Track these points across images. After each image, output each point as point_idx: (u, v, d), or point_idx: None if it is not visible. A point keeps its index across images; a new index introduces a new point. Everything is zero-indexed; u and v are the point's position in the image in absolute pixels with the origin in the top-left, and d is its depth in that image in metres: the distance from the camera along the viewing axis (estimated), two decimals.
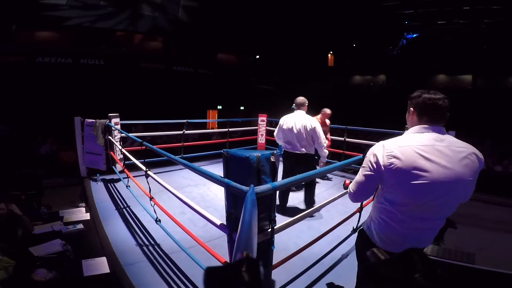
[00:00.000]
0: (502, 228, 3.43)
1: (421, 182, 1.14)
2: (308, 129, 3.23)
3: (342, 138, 5.47)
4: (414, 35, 18.66)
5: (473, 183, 1.21)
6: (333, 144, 6.08)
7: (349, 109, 14.64)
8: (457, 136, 1.31)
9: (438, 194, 1.17)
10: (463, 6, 15.79)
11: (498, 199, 4.39)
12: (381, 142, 1.26)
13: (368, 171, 1.26)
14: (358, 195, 1.37)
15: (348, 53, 19.30)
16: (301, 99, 3.41)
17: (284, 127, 3.35)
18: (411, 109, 1.29)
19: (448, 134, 1.27)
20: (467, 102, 13.11)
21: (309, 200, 3.58)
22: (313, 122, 3.27)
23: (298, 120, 3.29)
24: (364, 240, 1.45)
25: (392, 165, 1.17)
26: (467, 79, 15.82)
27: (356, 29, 18.18)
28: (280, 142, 3.54)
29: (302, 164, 3.23)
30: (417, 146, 1.17)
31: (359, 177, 1.33)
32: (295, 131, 3.26)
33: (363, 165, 1.32)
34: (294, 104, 3.43)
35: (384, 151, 1.20)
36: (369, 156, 1.27)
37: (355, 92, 17.20)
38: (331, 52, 19.77)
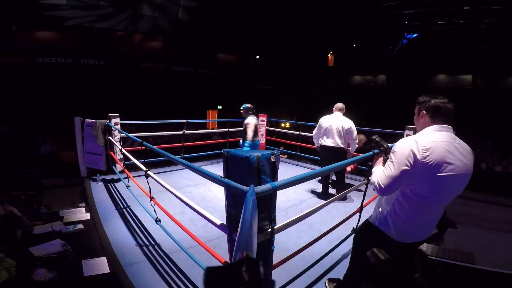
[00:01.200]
0: (502, 228, 3.43)
1: (447, 174, 1.28)
2: (345, 128, 3.84)
3: None
4: (414, 35, 18.66)
5: None
6: None
7: (349, 109, 14.57)
8: (457, 136, 1.37)
9: (457, 185, 1.34)
10: (463, 6, 15.78)
11: (498, 199, 4.39)
12: (411, 138, 1.35)
13: (404, 166, 1.32)
14: (389, 189, 1.40)
15: (348, 53, 19.29)
16: (341, 104, 4.04)
17: (324, 125, 3.92)
18: (424, 112, 1.40)
19: None
20: (467, 102, 13.11)
21: (339, 185, 4.02)
22: (350, 122, 3.88)
23: (337, 120, 3.89)
24: (374, 235, 1.49)
25: (427, 159, 1.28)
26: (467, 79, 15.80)
27: (356, 29, 18.18)
28: (316, 140, 4.11)
29: (337, 155, 3.77)
30: (443, 142, 1.31)
31: (391, 171, 1.36)
32: (334, 128, 3.85)
33: (394, 160, 1.35)
34: (334, 108, 4.05)
35: (418, 145, 1.30)
36: (404, 150, 1.32)
37: (355, 92, 17.18)
38: (331, 52, 19.76)
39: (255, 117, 4.43)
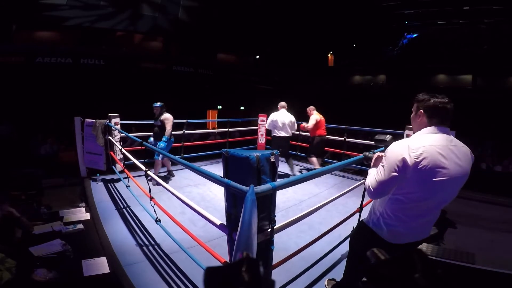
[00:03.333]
0: (502, 228, 3.43)
1: (442, 178, 1.25)
2: (293, 121, 5.03)
3: (342, 138, 5.47)
4: (414, 35, 18.66)
5: None
6: (333, 144, 6.11)
7: (349, 109, 14.63)
8: (457, 136, 1.35)
9: (452, 188, 1.31)
10: (463, 6, 15.78)
11: (498, 199, 4.39)
12: (404, 142, 1.31)
13: (394, 171, 1.29)
14: (379, 193, 1.39)
15: (348, 53, 19.28)
16: (283, 102, 5.14)
17: (279, 121, 4.95)
18: (421, 111, 1.36)
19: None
20: (467, 102, 13.10)
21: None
22: (293, 117, 5.08)
23: (287, 116, 5.01)
24: (367, 235, 1.49)
25: (419, 164, 1.25)
26: (467, 79, 15.79)
27: (356, 29, 18.17)
28: (269, 128, 5.18)
29: (287, 141, 5.09)
30: (436, 145, 1.27)
31: (381, 176, 1.34)
32: (287, 122, 4.96)
33: (384, 164, 1.33)
34: (279, 106, 5.14)
35: (410, 150, 1.26)
36: (394, 156, 1.30)
37: (355, 92, 17.18)
38: (331, 52, 19.76)
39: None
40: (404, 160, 1.26)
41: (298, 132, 6.22)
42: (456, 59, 15.61)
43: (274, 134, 5.02)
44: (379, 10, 17.71)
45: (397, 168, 1.28)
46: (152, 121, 4.63)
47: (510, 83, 14.38)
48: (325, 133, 5.23)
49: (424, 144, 1.27)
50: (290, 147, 5.26)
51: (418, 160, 1.24)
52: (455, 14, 16.42)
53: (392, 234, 1.40)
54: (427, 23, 17.93)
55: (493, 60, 14.49)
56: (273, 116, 5.01)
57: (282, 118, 4.93)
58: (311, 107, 5.31)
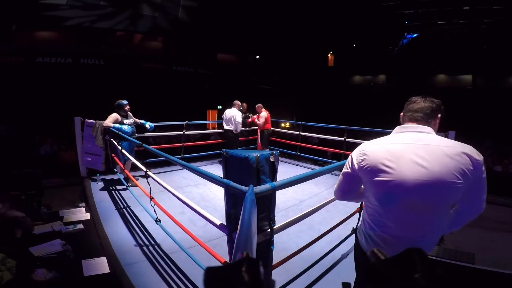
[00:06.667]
0: (502, 228, 3.43)
1: (385, 179, 1.13)
2: (234, 117, 5.58)
3: (342, 138, 5.47)
4: (414, 35, 18.68)
5: (463, 186, 1.07)
6: (334, 144, 6.11)
7: (349, 109, 14.64)
8: (457, 136, 1.31)
9: (413, 195, 1.09)
10: (463, 6, 15.80)
11: (498, 199, 4.39)
12: (363, 143, 1.30)
13: (345, 169, 1.32)
14: (340, 193, 1.41)
15: (348, 53, 19.30)
16: (236, 101, 5.77)
17: (226, 116, 5.67)
18: (402, 113, 1.32)
19: (448, 134, 1.28)
20: (467, 102, 13.11)
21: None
22: (235, 112, 5.62)
23: (231, 112, 5.62)
24: (356, 244, 1.43)
25: (362, 162, 1.21)
26: (467, 79, 15.80)
27: (356, 29, 18.19)
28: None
29: (231, 133, 5.65)
30: (388, 144, 1.18)
31: (340, 175, 1.37)
32: (231, 117, 5.59)
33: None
34: (233, 103, 5.75)
35: (358, 150, 1.26)
36: (349, 156, 1.32)
37: (355, 92, 17.19)
38: (331, 52, 19.77)
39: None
40: (351, 158, 1.27)
41: (298, 132, 6.24)
42: (456, 59, 15.62)
43: (224, 127, 5.85)
44: (379, 10, 17.72)
45: (347, 165, 1.30)
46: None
47: (510, 83, 14.38)
48: (271, 127, 6.25)
49: (375, 143, 1.22)
50: (235, 139, 5.80)
51: (361, 158, 1.21)
52: (455, 14, 16.45)
53: (368, 244, 1.28)
54: (427, 23, 17.95)
55: (493, 60, 14.50)
56: (225, 111, 5.82)
57: (227, 114, 5.69)
58: (260, 104, 6.16)
